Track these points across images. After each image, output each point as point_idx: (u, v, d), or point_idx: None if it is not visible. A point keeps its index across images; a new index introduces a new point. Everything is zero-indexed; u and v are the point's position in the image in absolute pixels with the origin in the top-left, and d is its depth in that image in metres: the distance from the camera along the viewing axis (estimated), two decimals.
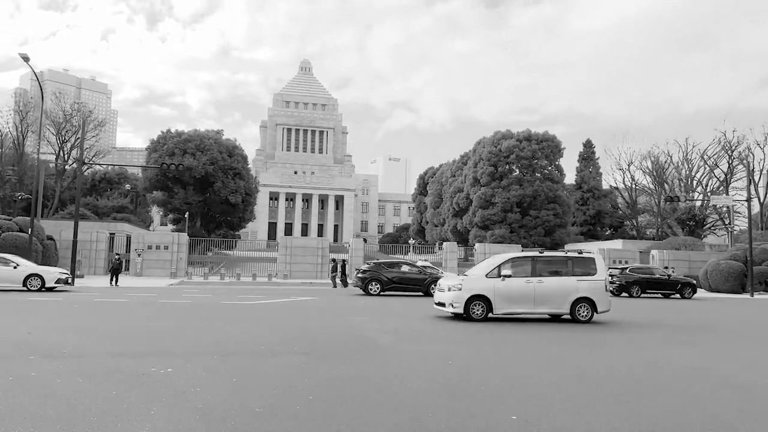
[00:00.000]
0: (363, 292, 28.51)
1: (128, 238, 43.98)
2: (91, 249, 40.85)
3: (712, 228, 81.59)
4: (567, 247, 63.25)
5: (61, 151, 60.19)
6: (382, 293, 28.11)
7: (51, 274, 24.78)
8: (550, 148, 67.53)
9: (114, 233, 45.32)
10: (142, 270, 40.92)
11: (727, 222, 74.71)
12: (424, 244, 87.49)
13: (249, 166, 70.47)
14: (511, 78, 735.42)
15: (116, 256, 32.54)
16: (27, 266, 24.75)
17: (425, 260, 42.82)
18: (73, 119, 59.67)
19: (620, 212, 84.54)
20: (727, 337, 14.69)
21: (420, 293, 28.66)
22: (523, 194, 64.99)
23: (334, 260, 36.85)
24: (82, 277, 38.14)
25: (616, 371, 8.97)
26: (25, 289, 24.00)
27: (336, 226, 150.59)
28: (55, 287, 24.77)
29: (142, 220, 66.10)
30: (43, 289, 24.10)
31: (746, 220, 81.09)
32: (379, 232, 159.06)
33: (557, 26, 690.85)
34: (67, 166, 59.50)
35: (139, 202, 67.64)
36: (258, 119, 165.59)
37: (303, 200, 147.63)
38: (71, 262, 30.63)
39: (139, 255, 40.98)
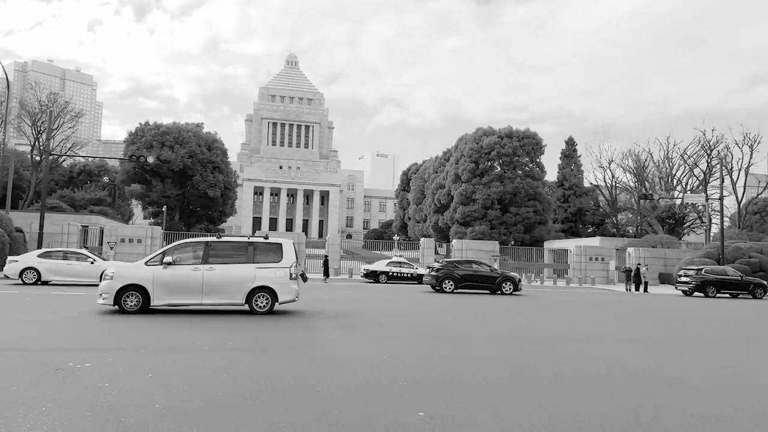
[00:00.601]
0: (433, 290, 29.43)
1: (102, 231, 43.37)
2: (62, 242, 40.17)
3: (692, 226, 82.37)
4: (546, 244, 63.44)
5: (37, 142, 59.19)
6: (455, 290, 28.86)
7: None
8: (531, 145, 67.68)
9: (87, 226, 44.69)
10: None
11: (705, 220, 75.50)
12: (408, 240, 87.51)
13: (229, 159, 69.82)
14: (503, 76, 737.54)
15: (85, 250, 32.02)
16: (102, 262, 25.58)
17: (400, 256, 42.78)
18: (49, 110, 58.62)
19: (601, 210, 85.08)
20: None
21: (488, 291, 29.67)
22: (503, 191, 65.10)
23: (326, 257, 37.97)
24: None
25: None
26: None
27: (321, 222, 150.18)
28: None
29: (120, 213, 65.31)
30: None
31: (727, 220, 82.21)
32: (364, 228, 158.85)
33: (549, 25, 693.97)
34: (39, 158, 58.48)
35: (117, 195, 66.76)
36: (247, 113, 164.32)
37: (288, 195, 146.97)
38: None
39: (111, 248, 40.37)
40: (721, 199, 36.75)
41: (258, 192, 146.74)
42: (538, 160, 69.71)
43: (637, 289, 41.19)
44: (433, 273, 29.58)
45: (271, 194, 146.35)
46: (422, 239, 47.89)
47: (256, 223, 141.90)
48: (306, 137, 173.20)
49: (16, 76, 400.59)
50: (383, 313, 17.06)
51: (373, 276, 37.95)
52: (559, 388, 7.34)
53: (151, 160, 34.26)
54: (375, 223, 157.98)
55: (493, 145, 65.64)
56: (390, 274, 38.01)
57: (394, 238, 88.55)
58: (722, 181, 38.27)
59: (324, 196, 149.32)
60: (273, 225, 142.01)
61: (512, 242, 65.40)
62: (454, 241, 48.13)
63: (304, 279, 32.52)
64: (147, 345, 9.84)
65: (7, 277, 25.26)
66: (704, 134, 71.23)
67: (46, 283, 25.03)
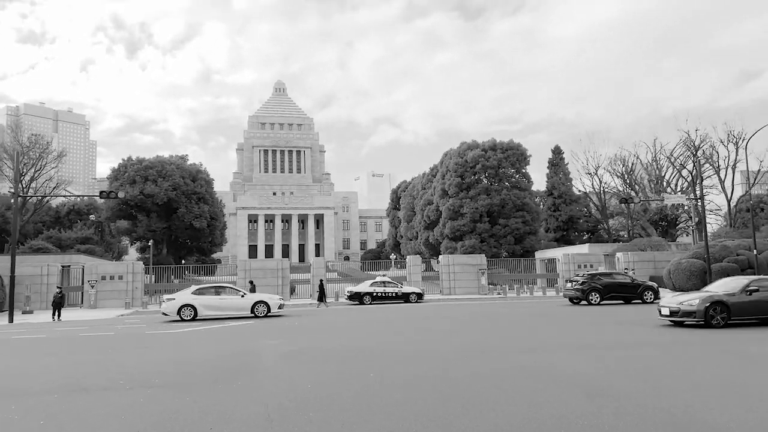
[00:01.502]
0: (573, 303, 30.12)
1: (83, 270, 42.94)
2: (41, 283, 39.78)
3: (685, 228, 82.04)
4: (538, 254, 63.05)
5: (19, 184, 58.95)
6: (601, 302, 29.36)
7: (273, 300, 27.07)
8: (515, 156, 67.56)
9: (69, 265, 44.28)
10: (96, 302, 39.86)
11: (695, 221, 75.12)
12: (402, 258, 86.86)
13: (215, 189, 69.67)
14: (493, 89, 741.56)
15: (57, 290, 31.60)
16: (250, 295, 27.64)
17: (384, 275, 42.35)
18: (30, 152, 58.71)
19: (593, 216, 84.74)
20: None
21: (628, 301, 30.42)
22: (491, 203, 64.80)
23: (321, 281, 37.53)
24: (31, 312, 37.12)
25: None
26: (252, 315, 26.14)
27: (317, 245, 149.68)
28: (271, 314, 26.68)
29: (108, 250, 64.84)
30: (269, 314, 26.55)
31: (720, 219, 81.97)
32: (361, 249, 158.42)
33: (536, 35, 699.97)
34: (23, 199, 58.28)
35: (103, 232, 66.38)
36: (238, 142, 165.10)
37: (282, 221, 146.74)
38: (8, 298, 29.66)
39: (92, 286, 39.94)
40: (701, 198, 36.43)
41: (252, 220, 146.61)
42: (523, 170, 69.54)
43: None
44: (578, 286, 29.89)
45: (266, 221, 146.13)
46: (408, 257, 47.48)
47: (252, 250, 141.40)
48: (298, 162, 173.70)
49: (9, 120, 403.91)
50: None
51: (358, 298, 37.43)
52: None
53: (121, 195, 33.99)
54: (372, 244, 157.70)
55: (477, 158, 65.53)
56: (374, 294, 37.51)
57: (390, 257, 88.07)
58: (700, 180, 38.27)
59: (319, 220, 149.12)
60: (269, 252, 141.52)
61: (504, 254, 64.94)
62: (441, 257, 47.72)
63: (320, 301, 32.08)
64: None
65: (165, 314, 26.55)
66: (688, 134, 71.07)
67: (199, 318, 26.05)
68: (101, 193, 29.55)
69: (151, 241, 59.53)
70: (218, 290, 27.10)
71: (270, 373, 10.05)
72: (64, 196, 54.18)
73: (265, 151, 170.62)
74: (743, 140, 69.92)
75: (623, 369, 9.42)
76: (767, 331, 15.37)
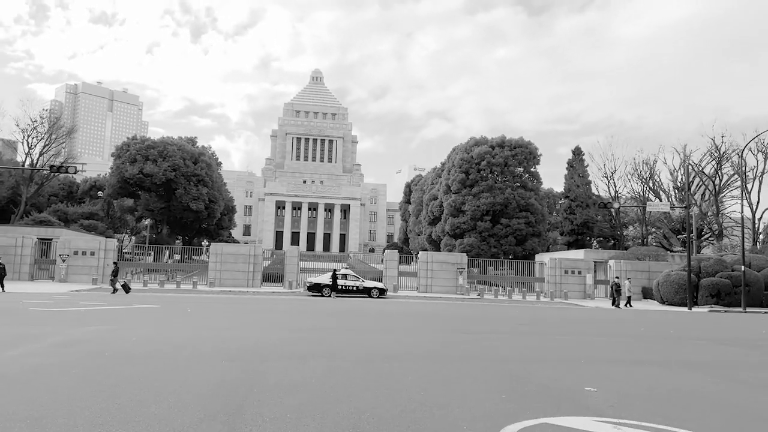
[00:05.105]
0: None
1: (56, 244, 43.53)
2: (15, 254, 40.53)
3: (709, 238, 77.65)
4: (537, 257, 60.61)
5: (29, 157, 60.80)
6: None
7: None
8: (523, 154, 65.03)
9: (51, 239, 45.01)
10: (67, 276, 40.40)
11: (716, 231, 70.91)
12: (410, 254, 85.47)
13: (220, 172, 69.90)
14: (552, 86, 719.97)
15: None
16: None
17: (346, 269, 41.37)
18: (40, 126, 60.29)
19: (606, 221, 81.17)
20: None
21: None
22: (493, 202, 62.62)
23: (334, 271, 37.37)
24: None
25: None
26: None
27: (342, 236, 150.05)
28: None
29: (111, 226, 66.14)
30: None
31: (748, 231, 77.21)
32: (387, 242, 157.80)
33: (601, 33, 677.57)
34: (30, 172, 59.93)
35: (111, 209, 67.74)
36: (272, 128, 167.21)
37: (309, 209, 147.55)
38: None
39: (63, 261, 40.48)
40: (687, 206, 33.78)
41: (280, 206, 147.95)
42: (532, 170, 66.89)
43: (613, 303, 38.54)
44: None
45: (294, 208, 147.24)
46: (386, 251, 46.37)
47: (279, 237, 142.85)
48: (330, 151, 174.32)
49: (68, 98, 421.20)
50: None
51: (317, 289, 36.59)
52: None
53: (77, 170, 33.80)
54: (398, 237, 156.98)
55: (483, 154, 63.40)
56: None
57: (411, 251, 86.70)
58: (688, 188, 35.29)
59: (345, 210, 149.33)
60: (295, 239, 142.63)
61: (502, 255, 62.78)
62: (420, 253, 46.37)
63: (126, 290, 31.33)
64: None
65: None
66: (713, 141, 66.85)
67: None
68: (51, 167, 29.58)
69: (149, 220, 60.35)
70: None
71: None
72: (36, 169, 55.01)
73: (298, 139, 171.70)
74: None
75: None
76: None
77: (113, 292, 30.05)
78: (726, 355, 12.96)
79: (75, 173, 32.95)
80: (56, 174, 62.70)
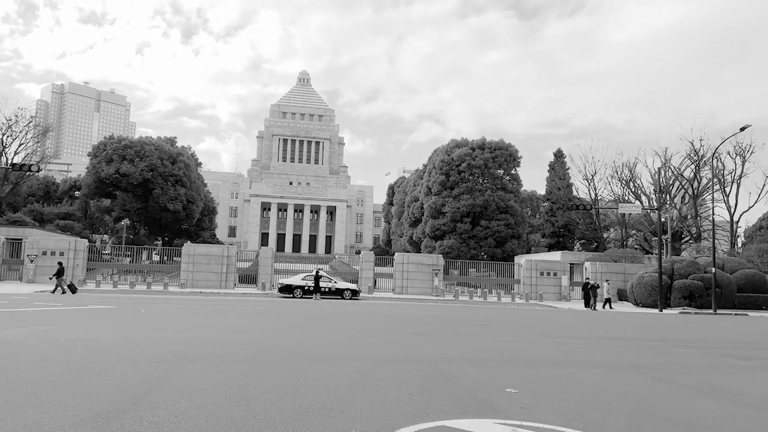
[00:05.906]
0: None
1: (24, 244, 42.89)
2: None
3: (689, 241, 78.13)
4: (516, 258, 60.65)
5: (3, 156, 59.86)
6: None
7: None
8: (504, 156, 65.10)
9: (21, 239, 44.32)
10: (35, 276, 39.77)
11: (694, 234, 71.40)
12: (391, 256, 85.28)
13: (201, 173, 69.29)
14: (542, 90, 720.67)
15: None
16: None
17: (321, 268, 41.08)
18: (15, 125, 59.41)
19: (588, 223, 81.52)
20: None
21: None
22: (473, 204, 62.60)
23: (317, 272, 37.03)
24: None
25: None
26: None
27: (328, 237, 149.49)
28: None
29: (89, 227, 65.30)
30: None
31: (727, 233, 77.80)
32: (374, 243, 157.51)
33: (591, 38, 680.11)
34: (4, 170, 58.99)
35: (88, 209, 66.88)
36: (258, 130, 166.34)
37: (295, 211, 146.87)
38: None
39: (31, 261, 39.85)
40: (658, 209, 33.96)
41: (266, 208, 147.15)
42: (513, 172, 66.99)
43: (587, 305, 38.51)
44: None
45: (279, 210, 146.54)
46: (362, 252, 46.13)
47: (264, 238, 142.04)
48: (316, 153, 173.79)
49: (54, 97, 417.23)
50: None
51: (289, 290, 36.31)
52: None
53: (34, 168, 33.20)
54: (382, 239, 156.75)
55: (463, 156, 63.36)
56: (306, 288, 36.30)
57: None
58: (660, 190, 35.34)
59: (332, 212, 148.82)
60: (280, 241, 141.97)
61: (483, 256, 62.75)
62: (396, 255, 46.14)
63: (73, 290, 31.47)
64: None
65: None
66: (692, 144, 67.21)
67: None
68: (13, 165, 29.06)
69: (126, 220, 59.61)
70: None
71: None
72: (16, 169, 54.18)
73: (284, 140, 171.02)
74: (750, 153, 66.06)
75: None
76: None
77: (53, 292, 30.23)
78: (668, 357, 12.83)
79: (38, 172, 32.36)
80: (31, 173, 61.92)
